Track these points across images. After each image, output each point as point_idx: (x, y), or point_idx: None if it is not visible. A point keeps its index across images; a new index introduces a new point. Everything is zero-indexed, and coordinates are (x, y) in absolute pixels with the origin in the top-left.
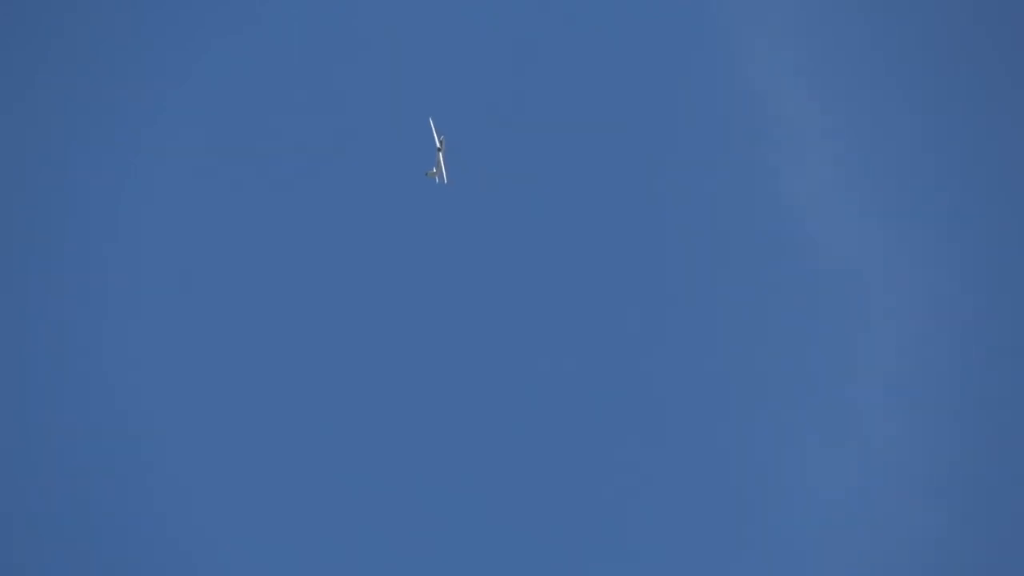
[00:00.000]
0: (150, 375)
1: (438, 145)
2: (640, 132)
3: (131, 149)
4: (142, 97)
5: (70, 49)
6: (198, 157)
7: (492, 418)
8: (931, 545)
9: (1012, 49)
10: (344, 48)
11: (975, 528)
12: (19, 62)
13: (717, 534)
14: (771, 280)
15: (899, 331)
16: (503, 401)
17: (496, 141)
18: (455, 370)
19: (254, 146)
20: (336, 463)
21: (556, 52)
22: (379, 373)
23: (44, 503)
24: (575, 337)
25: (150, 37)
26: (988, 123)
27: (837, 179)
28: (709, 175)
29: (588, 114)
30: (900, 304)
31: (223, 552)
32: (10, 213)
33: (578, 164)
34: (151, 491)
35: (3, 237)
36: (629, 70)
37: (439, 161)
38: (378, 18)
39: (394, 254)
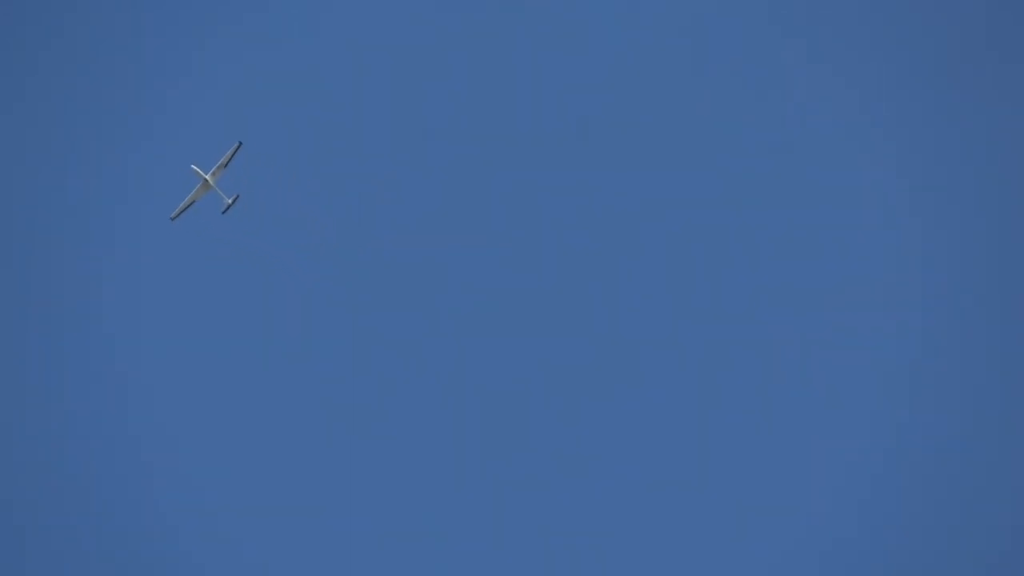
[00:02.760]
0: (150, 375)
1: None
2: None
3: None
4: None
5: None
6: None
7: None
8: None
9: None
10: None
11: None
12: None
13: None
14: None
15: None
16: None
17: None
18: (457, 371)
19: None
20: (337, 463)
21: None
22: (379, 374)
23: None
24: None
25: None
26: None
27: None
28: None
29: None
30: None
31: (223, 552)
32: (10, 213)
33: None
34: (151, 491)
35: (3, 237)
36: None
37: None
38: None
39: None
